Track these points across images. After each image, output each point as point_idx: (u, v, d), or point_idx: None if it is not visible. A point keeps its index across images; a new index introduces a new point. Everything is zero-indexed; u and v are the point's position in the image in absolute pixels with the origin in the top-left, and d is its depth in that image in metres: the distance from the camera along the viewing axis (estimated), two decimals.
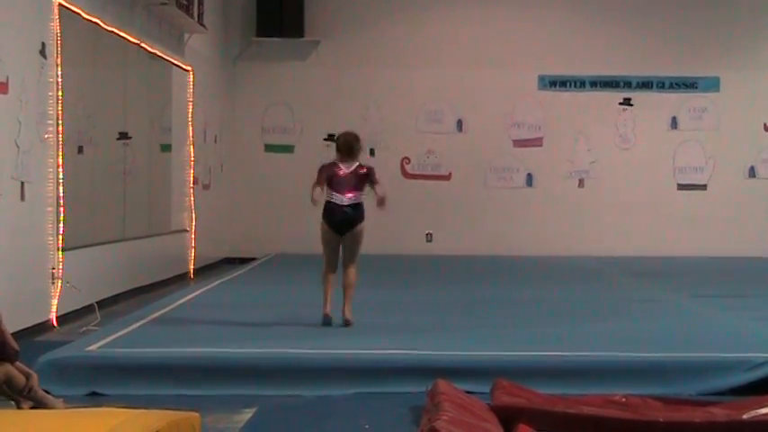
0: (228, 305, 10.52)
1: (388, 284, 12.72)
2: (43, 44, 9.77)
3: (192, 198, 15.21)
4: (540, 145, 18.49)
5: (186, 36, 14.99)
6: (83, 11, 10.65)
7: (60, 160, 9.98)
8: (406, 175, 18.37)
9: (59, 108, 9.98)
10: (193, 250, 15.28)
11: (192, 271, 15.23)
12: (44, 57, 9.77)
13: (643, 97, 18.45)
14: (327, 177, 9.03)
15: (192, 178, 15.20)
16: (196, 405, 6.05)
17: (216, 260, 16.94)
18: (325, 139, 17.17)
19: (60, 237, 9.96)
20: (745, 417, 5.72)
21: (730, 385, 7.01)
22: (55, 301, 9.93)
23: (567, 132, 18.43)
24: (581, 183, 18.52)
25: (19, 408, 5.99)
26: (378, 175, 9.20)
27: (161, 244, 13.84)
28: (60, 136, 9.99)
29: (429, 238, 18.45)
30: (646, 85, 18.43)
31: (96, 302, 10.53)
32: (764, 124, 18.41)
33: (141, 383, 7.00)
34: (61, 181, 9.96)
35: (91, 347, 7.57)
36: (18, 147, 9.16)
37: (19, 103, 9.18)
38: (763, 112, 18.40)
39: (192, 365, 7.19)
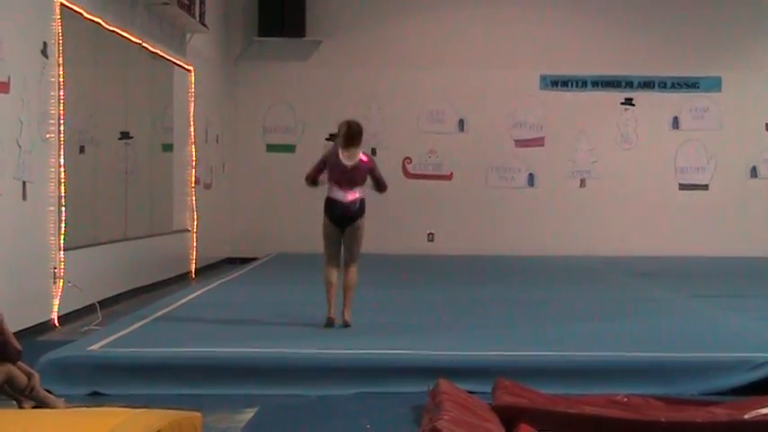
0: (230, 305, 10.52)
1: (390, 284, 12.72)
2: (45, 44, 9.77)
3: (194, 198, 15.22)
4: (542, 145, 18.49)
5: (188, 36, 15.00)
6: (84, 10, 10.65)
7: (62, 160, 9.98)
8: (407, 174, 18.37)
9: (61, 108, 9.98)
10: (195, 250, 15.28)
11: (193, 271, 15.23)
12: (46, 56, 9.78)
13: (645, 97, 18.44)
14: (329, 169, 8.98)
15: (193, 178, 15.21)
16: (197, 405, 6.07)
17: (217, 260, 16.95)
18: (326, 139, 17.15)
19: (62, 236, 9.96)
20: (746, 417, 5.72)
21: (732, 385, 7.00)
22: (56, 301, 9.94)
23: (569, 132, 18.43)
24: (582, 183, 18.52)
25: (21, 407, 6.00)
26: (379, 169, 9.18)
27: (162, 244, 13.84)
28: (62, 136, 9.99)
29: (430, 237, 18.44)
30: (647, 84, 18.43)
31: (98, 302, 10.54)
32: (766, 124, 18.41)
33: (143, 383, 7.00)
34: (63, 181, 9.96)
35: (92, 347, 7.57)
36: (20, 146, 9.16)
37: (20, 102, 9.18)
38: (765, 111, 18.40)
39: (194, 365, 7.19)
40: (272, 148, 18.52)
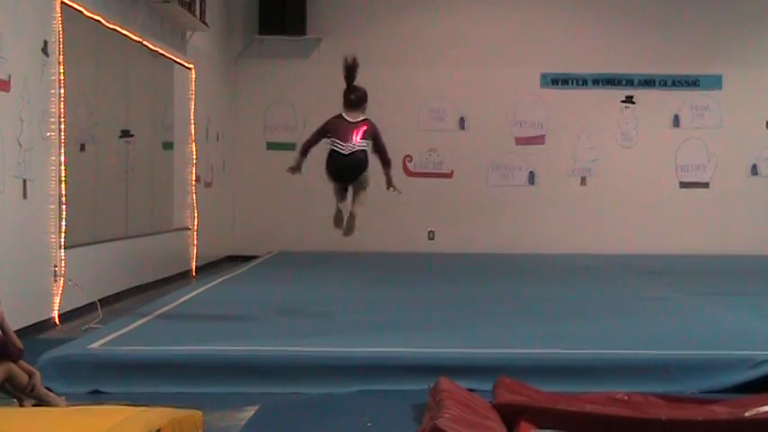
0: (230, 303, 10.52)
1: (390, 282, 12.73)
2: (45, 42, 9.78)
3: (194, 196, 15.22)
4: (543, 143, 18.48)
5: (188, 34, 15.00)
6: (85, 9, 10.65)
7: (62, 158, 9.98)
8: (408, 172, 18.36)
9: (61, 106, 9.98)
10: (195, 248, 15.28)
11: (194, 269, 15.24)
12: (46, 55, 9.78)
13: (645, 95, 18.43)
14: (330, 131, 8.96)
15: (194, 176, 15.21)
16: (198, 403, 6.06)
17: (218, 258, 16.95)
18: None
19: (62, 234, 9.96)
20: (747, 414, 5.71)
21: (733, 383, 6.99)
22: (57, 299, 9.94)
23: (570, 130, 18.43)
24: (583, 181, 18.51)
25: (21, 406, 6.00)
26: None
27: (163, 242, 13.84)
28: (62, 134, 9.99)
29: (431, 235, 18.44)
30: (648, 82, 18.42)
31: (98, 300, 10.54)
32: (767, 122, 18.40)
33: (143, 381, 7.00)
34: (63, 179, 9.97)
35: (93, 345, 7.57)
36: (20, 145, 9.16)
37: (21, 101, 9.18)
38: (766, 109, 18.39)
39: (195, 363, 7.18)
40: (272, 146, 18.51)
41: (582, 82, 18.42)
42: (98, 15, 11.08)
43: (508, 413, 5.79)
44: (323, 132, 9.03)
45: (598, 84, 18.42)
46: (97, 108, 11.45)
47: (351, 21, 18.31)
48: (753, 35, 18.35)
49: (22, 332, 7.52)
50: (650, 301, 10.96)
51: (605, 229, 18.31)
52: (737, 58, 18.28)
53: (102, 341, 7.75)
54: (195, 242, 15.26)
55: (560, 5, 18.31)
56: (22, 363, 6.00)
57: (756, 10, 18.35)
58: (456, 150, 18.35)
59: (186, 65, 14.88)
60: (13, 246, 9.03)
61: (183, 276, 14.61)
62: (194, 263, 15.26)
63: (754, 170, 18.43)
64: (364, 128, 8.93)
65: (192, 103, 15.19)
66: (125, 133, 12.45)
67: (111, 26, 11.52)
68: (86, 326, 9.57)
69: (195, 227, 15.23)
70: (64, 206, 9.97)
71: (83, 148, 11.01)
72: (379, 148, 8.99)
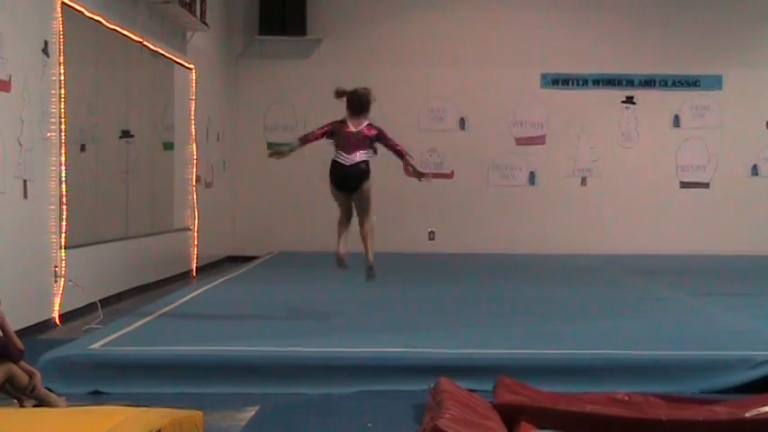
0: (231, 303, 10.52)
1: (391, 282, 12.72)
2: (46, 42, 9.78)
3: (195, 196, 15.22)
4: (543, 143, 18.49)
5: (189, 34, 15.00)
6: (85, 9, 10.66)
7: (63, 158, 9.98)
8: (408, 173, 18.32)
9: (62, 106, 9.98)
10: (196, 248, 15.29)
11: (194, 269, 15.24)
12: (47, 55, 9.78)
13: (645, 95, 18.44)
14: (334, 135, 9.00)
15: (194, 176, 15.21)
16: (199, 403, 6.07)
17: (218, 258, 16.95)
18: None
19: (63, 235, 9.97)
20: (747, 415, 5.72)
21: (733, 383, 7.00)
22: (57, 300, 9.94)
23: (570, 130, 18.43)
24: (583, 181, 18.52)
25: (22, 406, 6.00)
26: (390, 134, 9.17)
27: (163, 242, 13.84)
28: (63, 134, 10.00)
29: (431, 236, 18.45)
30: (648, 83, 18.43)
31: (99, 301, 10.54)
32: (767, 122, 18.40)
33: (144, 381, 7.00)
34: (64, 179, 9.97)
35: (93, 346, 7.57)
36: (21, 145, 9.17)
37: (21, 101, 9.19)
38: (766, 109, 18.39)
39: (195, 364, 7.19)
40: (273, 146, 18.45)
41: (582, 82, 18.42)
42: (98, 16, 11.08)
43: (508, 413, 5.79)
44: (327, 134, 9.05)
45: (598, 84, 18.42)
46: (97, 108, 11.45)
47: (351, 21, 18.31)
48: (753, 36, 18.35)
49: (22, 332, 7.52)
50: (650, 301, 10.96)
51: (605, 229, 18.31)
52: (738, 59, 18.28)
53: (102, 342, 7.75)
54: (195, 242, 15.26)
55: (561, 6, 18.31)
56: (22, 363, 6.00)
57: (756, 11, 18.35)
58: (456, 151, 18.36)
59: (187, 65, 14.89)
60: (13, 246, 9.03)
61: (184, 277, 14.62)
62: (195, 263, 15.27)
63: (755, 170, 18.43)
64: (368, 137, 8.95)
65: (193, 103, 15.19)
66: (125, 133, 12.45)
67: (111, 26, 11.52)
68: (87, 326, 9.57)
69: (195, 227, 15.24)
70: (64, 206, 9.97)
71: (83, 148, 11.01)
72: (391, 147, 9.06)
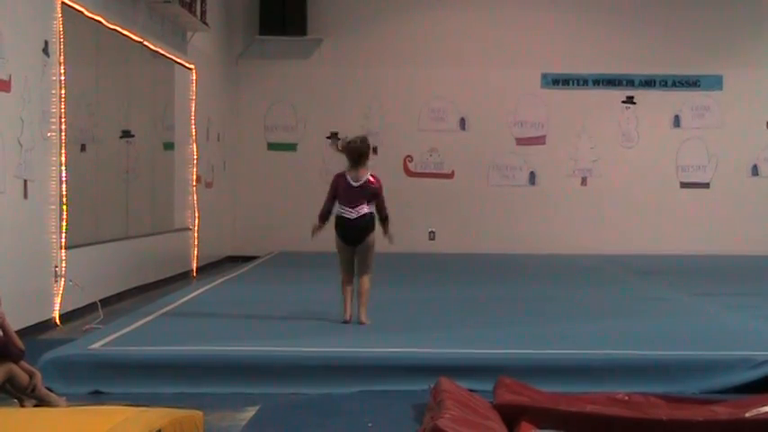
0: (231, 303, 10.52)
1: (391, 282, 12.71)
2: (46, 42, 9.78)
3: (195, 196, 15.23)
4: (543, 143, 18.49)
5: (189, 34, 15.00)
6: (85, 9, 10.66)
7: (63, 158, 9.99)
8: (408, 173, 18.38)
9: (62, 106, 9.99)
10: (196, 248, 15.29)
11: (194, 269, 15.24)
12: (47, 55, 9.78)
13: (646, 95, 18.44)
14: (337, 191, 9.03)
15: (194, 176, 15.21)
16: (199, 403, 6.07)
17: (218, 258, 16.96)
18: (327, 137, 17.17)
19: (63, 235, 9.97)
20: (747, 415, 5.72)
21: (733, 383, 7.01)
22: (58, 300, 9.95)
23: (570, 131, 18.43)
24: (584, 181, 18.52)
25: (22, 406, 6.00)
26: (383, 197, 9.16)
27: (164, 242, 13.84)
28: (63, 134, 10.00)
29: (432, 236, 18.45)
30: (648, 83, 18.43)
31: (99, 300, 10.54)
32: (767, 122, 18.40)
33: (144, 381, 7.00)
34: (64, 179, 9.97)
35: (94, 345, 7.57)
36: (21, 145, 9.17)
37: (22, 101, 9.19)
38: (766, 109, 18.40)
39: (195, 363, 7.19)
40: (273, 146, 18.52)
41: (583, 82, 18.42)
42: (99, 16, 11.08)
43: (509, 413, 5.79)
44: (333, 197, 9.04)
45: (599, 84, 18.42)
46: (98, 108, 11.45)
47: (351, 21, 18.31)
48: (753, 36, 18.36)
49: (22, 332, 7.52)
50: (650, 301, 10.96)
51: (606, 229, 18.31)
52: (738, 59, 18.28)
53: (102, 341, 7.75)
54: (196, 242, 15.26)
55: (561, 6, 18.31)
56: (22, 363, 6.00)
57: (757, 11, 18.36)
58: (457, 151, 18.36)
59: (187, 65, 14.89)
60: (13, 246, 9.03)
61: (184, 276, 14.62)
62: (195, 263, 15.27)
63: (755, 170, 18.43)
64: (368, 191, 8.95)
65: (193, 103, 15.20)
66: (126, 133, 12.45)
67: (111, 26, 11.52)
68: (87, 326, 9.57)
69: (196, 227, 15.24)
70: (64, 206, 9.97)
71: (83, 148, 11.01)
72: (379, 208, 9.05)
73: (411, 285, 12.65)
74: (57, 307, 9.92)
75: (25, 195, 9.28)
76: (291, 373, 7.11)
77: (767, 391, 6.56)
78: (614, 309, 10.37)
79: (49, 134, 9.81)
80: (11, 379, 5.91)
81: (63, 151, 9.99)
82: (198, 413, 5.44)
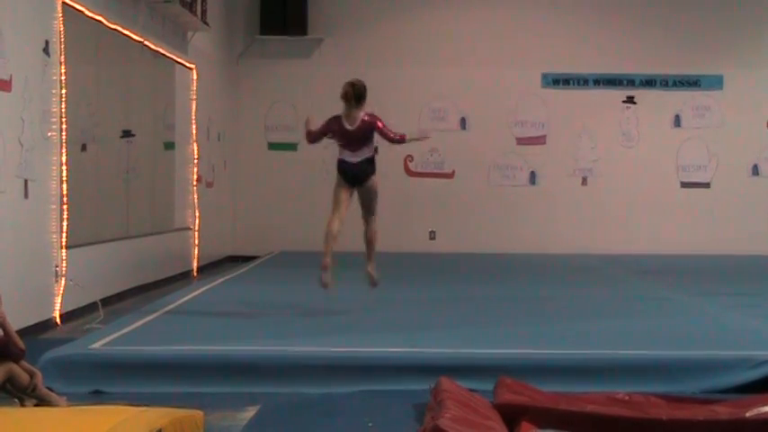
0: (232, 303, 10.52)
1: (391, 282, 12.71)
2: (47, 42, 9.78)
3: (196, 196, 15.23)
4: (544, 143, 18.49)
5: (190, 34, 15.00)
6: (86, 9, 10.66)
7: (64, 158, 9.99)
8: (409, 172, 18.38)
9: (63, 106, 9.99)
10: (197, 248, 15.29)
11: (195, 269, 15.24)
12: (47, 54, 9.78)
13: (646, 95, 18.44)
14: (335, 135, 9.10)
15: (195, 176, 15.22)
16: (199, 403, 6.06)
17: (219, 258, 16.96)
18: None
19: (64, 234, 9.97)
20: (748, 415, 5.72)
21: (734, 383, 7.00)
22: (58, 299, 9.94)
23: (571, 130, 18.44)
24: (584, 181, 18.52)
25: (23, 405, 6.00)
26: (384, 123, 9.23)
27: (164, 242, 13.85)
28: (64, 134, 10.00)
29: (432, 235, 18.45)
30: (649, 83, 18.43)
31: (100, 300, 10.54)
32: (767, 122, 18.40)
33: (145, 381, 7.00)
34: (65, 179, 9.97)
35: (94, 345, 7.57)
36: (21, 144, 9.17)
37: (22, 101, 9.19)
38: (767, 109, 18.40)
39: (196, 363, 7.19)
40: (273, 146, 18.53)
41: (583, 82, 18.42)
42: (99, 15, 11.08)
43: (509, 413, 5.79)
44: (323, 132, 9.16)
45: (599, 84, 18.43)
46: (98, 108, 11.46)
47: (352, 21, 18.32)
48: (753, 36, 18.36)
49: (23, 332, 7.52)
50: (651, 301, 10.96)
51: (606, 229, 18.31)
52: (738, 59, 18.28)
53: (103, 341, 7.75)
54: (196, 242, 15.27)
55: (562, 6, 18.32)
56: (23, 363, 6.00)
57: (757, 11, 18.36)
58: (457, 150, 18.36)
59: (187, 65, 14.89)
60: (14, 246, 9.03)
61: (185, 276, 14.62)
62: (195, 263, 15.27)
63: (755, 170, 18.43)
64: (365, 130, 9.00)
65: (194, 103, 15.20)
66: (126, 133, 12.45)
67: (112, 26, 11.52)
68: (87, 326, 9.57)
69: (196, 227, 15.24)
70: (65, 206, 9.97)
71: (84, 147, 11.01)
72: (387, 138, 9.13)
73: (411, 285, 12.65)
74: (57, 306, 9.92)
75: (26, 195, 9.28)
76: (291, 373, 7.11)
77: (767, 391, 6.56)
78: (614, 309, 10.37)
79: (49, 134, 9.81)
80: (11, 378, 5.91)
81: (63, 151, 9.99)
82: (198, 413, 5.45)
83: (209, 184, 16.32)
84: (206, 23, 15.03)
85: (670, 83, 18.43)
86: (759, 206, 18.24)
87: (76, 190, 10.28)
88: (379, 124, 9.19)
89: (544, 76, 18.42)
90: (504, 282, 13.33)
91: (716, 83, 18.42)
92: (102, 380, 7.01)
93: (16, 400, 6.04)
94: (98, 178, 11.46)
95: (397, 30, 18.41)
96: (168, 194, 14.32)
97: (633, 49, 18.31)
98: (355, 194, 9.43)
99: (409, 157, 18.36)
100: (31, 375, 5.98)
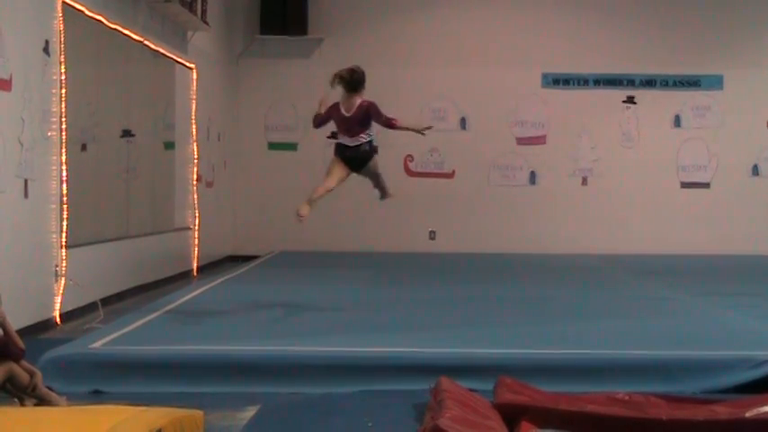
0: (232, 303, 10.51)
1: (391, 282, 12.73)
2: (47, 41, 9.78)
3: (196, 196, 15.23)
4: (544, 143, 18.49)
5: (190, 34, 15.00)
6: (86, 8, 10.66)
7: (64, 158, 9.99)
8: (409, 172, 18.38)
9: (63, 106, 9.99)
10: (197, 248, 15.29)
11: (195, 268, 15.24)
12: (47, 54, 9.78)
13: (646, 95, 18.44)
14: (335, 122, 9.20)
15: (195, 176, 15.22)
16: (199, 403, 6.06)
17: (219, 258, 16.96)
18: (328, 137, 17.13)
19: (64, 234, 9.97)
20: (747, 415, 5.72)
21: (734, 383, 6.99)
22: (58, 299, 9.95)
23: (571, 130, 18.43)
24: (584, 181, 18.52)
25: (22, 405, 6.00)
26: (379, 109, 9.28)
27: (164, 241, 13.85)
28: (64, 133, 10.00)
29: (432, 235, 18.45)
30: (649, 83, 18.43)
31: (100, 300, 10.54)
32: (767, 122, 18.43)
33: (144, 381, 7.00)
34: (65, 178, 9.97)
35: (94, 345, 7.57)
36: (21, 144, 9.17)
37: (22, 100, 9.19)
38: (767, 110, 18.39)
39: (196, 363, 7.19)
40: (273, 146, 18.53)
41: (583, 82, 18.42)
42: (99, 15, 11.08)
43: (509, 413, 5.79)
44: (327, 117, 9.25)
45: (599, 84, 18.42)
46: (98, 108, 11.46)
47: (352, 21, 18.32)
48: (754, 36, 18.35)
49: (23, 332, 7.52)
50: (650, 301, 10.96)
51: (606, 229, 18.31)
52: (738, 59, 18.28)
53: (103, 341, 7.75)
54: (196, 242, 15.27)
55: (562, 6, 18.32)
56: (23, 362, 6.00)
57: (757, 11, 18.36)
58: (457, 150, 18.36)
59: (187, 65, 14.89)
60: (14, 245, 9.03)
61: (185, 276, 14.62)
62: (195, 263, 15.27)
63: (755, 170, 18.43)
64: (361, 115, 9.07)
65: (194, 102, 15.20)
66: (126, 133, 12.46)
67: (112, 26, 11.52)
68: (87, 325, 9.57)
69: (196, 227, 15.24)
70: (65, 206, 9.98)
71: (84, 147, 11.01)
72: (383, 123, 9.19)
73: (411, 285, 12.65)
74: (57, 306, 9.93)
75: (26, 195, 9.28)
76: (291, 373, 7.11)
77: (767, 391, 6.56)
78: (614, 309, 10.37)
79: (49, 133, 9.81)
80: (11, 378, 5.91)
81: (63, 150, 9.99)
82: (198, 413, 5.44)
83: (209, 184, 16.32)
84: (206, 23, 15.02)
85: (670, 83, 18.43)
86: (759, 206, 18.24)
87: (76, 190, 10.28)
88: (374, 109, 9.23)
89: (544, 76, 18.42)
90: (504, 282, 13.32)
91: (716, 83, 18.42)
92: (102, 380, 7.01)
93: (16, 399, 6.04)
94: (98, 178, 11.46)
95: (397, 30, 18.41)
96: (168, 194, 14.32)
97: (633, 49, 18.31)
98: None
99: (409, 157, 18.36)
100: (31, 375, 5.98)
